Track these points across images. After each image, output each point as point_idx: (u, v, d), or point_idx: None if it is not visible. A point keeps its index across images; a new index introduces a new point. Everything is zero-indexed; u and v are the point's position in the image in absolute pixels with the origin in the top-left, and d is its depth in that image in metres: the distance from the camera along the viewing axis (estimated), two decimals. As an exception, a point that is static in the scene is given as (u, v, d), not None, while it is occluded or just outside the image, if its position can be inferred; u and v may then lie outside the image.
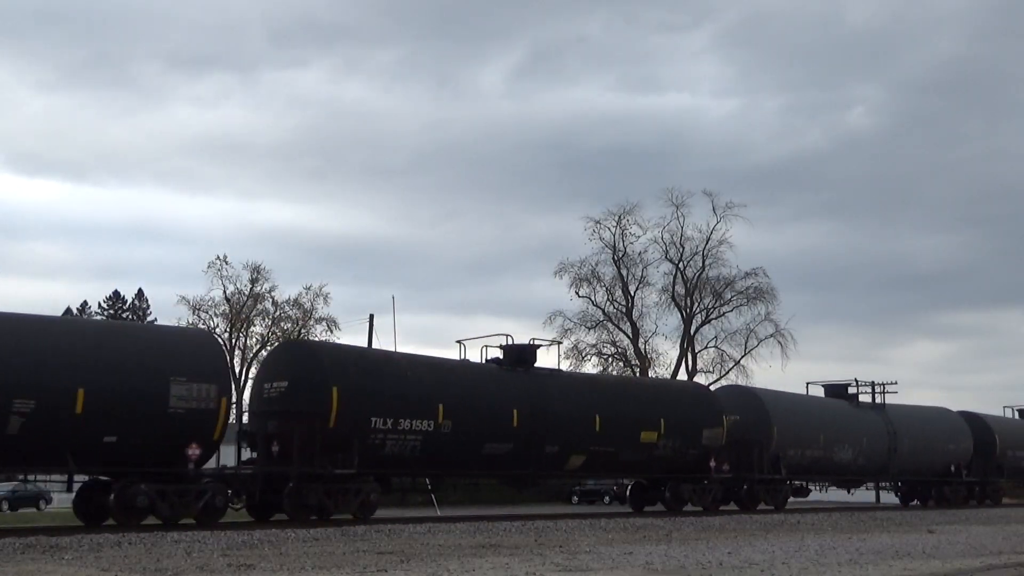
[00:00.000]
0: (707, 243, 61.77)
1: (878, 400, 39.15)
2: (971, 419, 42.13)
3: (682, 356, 61.43)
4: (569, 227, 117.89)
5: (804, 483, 35.51)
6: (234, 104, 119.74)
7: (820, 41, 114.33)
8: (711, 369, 61.71)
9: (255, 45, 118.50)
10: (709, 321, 62.56)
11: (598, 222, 62.01)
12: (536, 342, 27.63)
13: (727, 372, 61.34)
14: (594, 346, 61.12)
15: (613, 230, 61.81)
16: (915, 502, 40.85)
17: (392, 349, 33.26)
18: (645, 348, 61.34)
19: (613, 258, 61.61)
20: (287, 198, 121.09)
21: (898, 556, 15.65)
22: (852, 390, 38.59)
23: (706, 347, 62.40)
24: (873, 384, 39.29)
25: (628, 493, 31.60)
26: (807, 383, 41.30)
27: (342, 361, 23.39)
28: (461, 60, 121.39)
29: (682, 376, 58.68)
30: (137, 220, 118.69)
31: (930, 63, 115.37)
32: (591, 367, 59.14)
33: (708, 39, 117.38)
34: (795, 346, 60.95)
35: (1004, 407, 47.36)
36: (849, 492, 40.67)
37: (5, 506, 43.68)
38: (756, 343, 61.19)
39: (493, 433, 25.16)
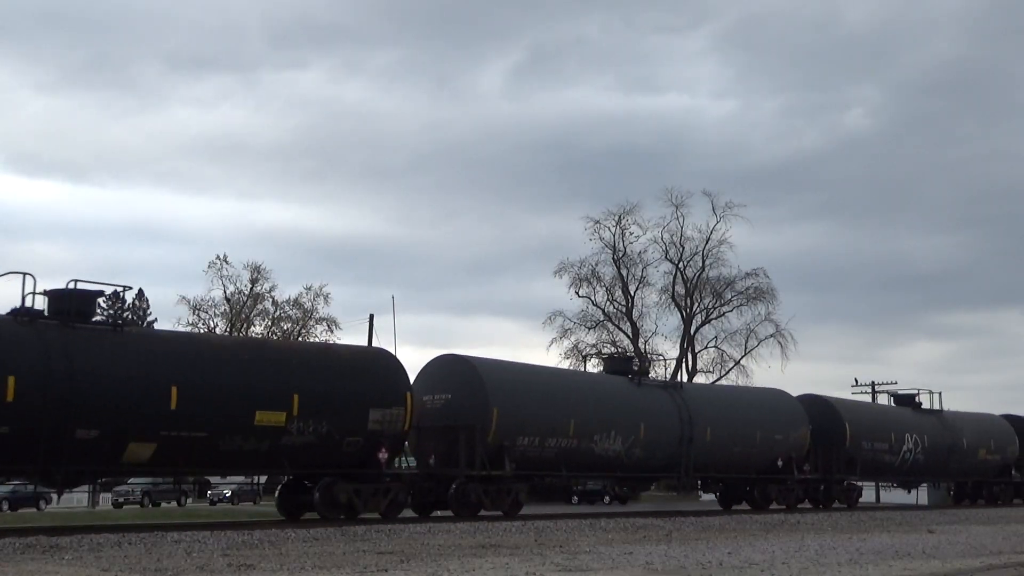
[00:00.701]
0: (707, 243, 62.13)
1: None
2: (812, 404, 35.03)
3: (682, 356, 61.54)
4: (569, 227, 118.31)
5: (575, 482, 27.71)
6: (234, 105, 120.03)
7: (818, 42, 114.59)
8: (711, 369, 61.85)
9: (255, 46, 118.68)
10: (709, 321, 62.81)
11: (598, 222, 62.33)
12: (98, 287, 20.74)
13: (727, 372, 61.47)
14: (594, 346, 61.30)
15: (613, 230, 62.12)
16: (743, 504, 33.74)
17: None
18: (645, 348, 61.49)
19: (613, 258, 61.88)
20: (287, 198, 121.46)
21: (898, 556, 15.64)
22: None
23: (706, 347, 62.63)
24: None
25: (277, 495, 24.51)
26: (583, 355, 33.83)
27: None
28: (460, 61, 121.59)
29: (682, 378, 58.54)
30: (137, 220, 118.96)
31: (928, 64, 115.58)
32: (592, 367, 59.19)
33: (706, 40, 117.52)
34: (795, 346, 61.36)
35: (877, 390, 42.60)
36: (622, 492, 32.95)
37: (5, 506, 43.63)
38: (756, 343, 61.51)
39: None
